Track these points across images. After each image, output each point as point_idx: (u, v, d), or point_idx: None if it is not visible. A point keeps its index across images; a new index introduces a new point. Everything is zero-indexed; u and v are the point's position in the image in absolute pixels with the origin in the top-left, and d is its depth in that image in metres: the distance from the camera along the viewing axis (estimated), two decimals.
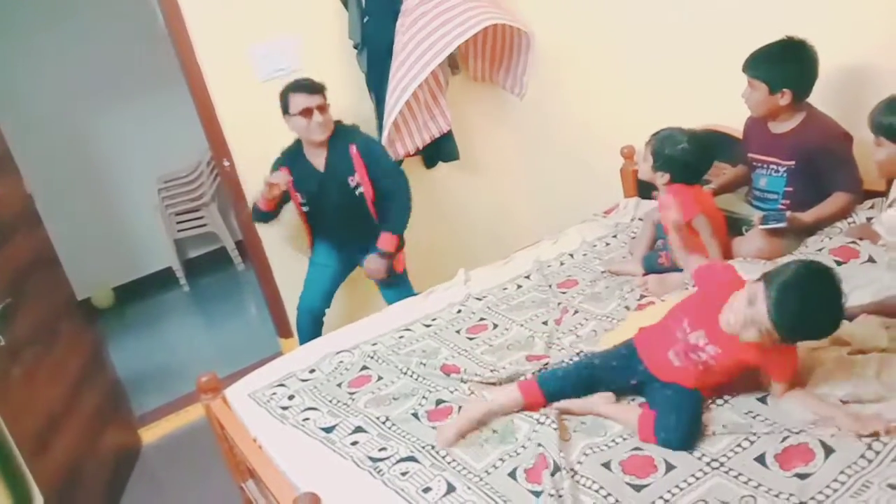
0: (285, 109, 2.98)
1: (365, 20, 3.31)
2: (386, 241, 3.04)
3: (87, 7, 4.62)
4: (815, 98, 2.33)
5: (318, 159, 3.04)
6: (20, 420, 2.44)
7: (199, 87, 3.24)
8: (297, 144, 3.09)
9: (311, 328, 3.28)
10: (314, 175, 3.04)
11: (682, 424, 1.62)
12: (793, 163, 2.31)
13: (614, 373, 1.82)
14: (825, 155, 2.24)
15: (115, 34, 4.71)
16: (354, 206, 3.05)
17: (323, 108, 2.96)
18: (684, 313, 1.77)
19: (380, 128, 3.49)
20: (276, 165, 3.08)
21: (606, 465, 1.60)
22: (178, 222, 5.15)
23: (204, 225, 5.16)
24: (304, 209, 3.14)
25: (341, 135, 3.04)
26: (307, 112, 2.92)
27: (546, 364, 2.02)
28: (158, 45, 3.57)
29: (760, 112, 2.35)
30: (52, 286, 2.94)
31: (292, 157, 3.08)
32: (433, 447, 1.79)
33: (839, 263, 2.11)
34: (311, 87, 2.95)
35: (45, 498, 2.50)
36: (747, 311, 1.56)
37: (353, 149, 3.00)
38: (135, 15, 4.41)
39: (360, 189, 3.02)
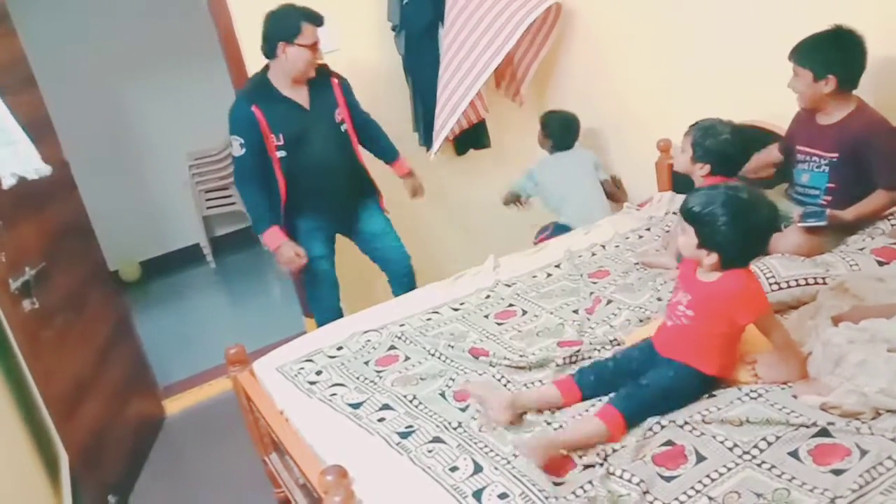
0: (289, 36, 2.62)
1: (404, 2, 3.31)
2: (401, 164, 3.13)
3: None
4: (866, 94, 2.28)
5: (299, 96, 2.76)
6: (50, 383, 2.49)
7: (237, 65, 3.25)
8: (264, 81, 2.74)
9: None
10: (298, 113, 2.75)
11: (637, 393, 1.70)
12: (836, 155, 2.26)
13: (635, 362, 1.83)
14: (869, 148, 2.19)
15: (156, 10, 4.75)
16: (342, 146, 2.87)
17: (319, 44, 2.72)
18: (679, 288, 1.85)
19: (415, 109, 3.50)
20: (247, 108, 2.68)
21: (638, 458, 1.59)
22: (207, 199, 5.19)
23: (232, 203, 5.19)
24: (281, 154, 2.75)
25: (317, 70, 2.79)
26: (315, 46, 2.67)
27: (578, 351, 2.00)
28: (198, 22, 3.58)
29: (805, 100, 2.31)
30: (84, 253, 2.98)
31: (263, 96, 2.71)
32: (460, 422, 1.79)
33: (881, 264, 2.07)
34: (322, 20, 2.68)
35: (71, 460, 2.54)
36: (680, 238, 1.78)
37: (335, 81, 2.85)
38: None
39: (345, 125, 2.87)
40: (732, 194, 1.69)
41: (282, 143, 2.73)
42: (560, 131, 3.33)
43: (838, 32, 2.18)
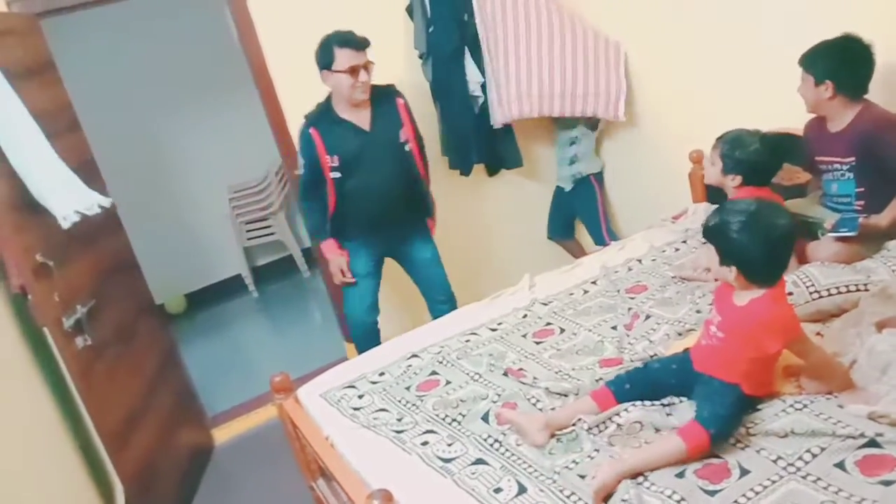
0: (326, 64, 2.73)
1: (430, 30, 3.37)
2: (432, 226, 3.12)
3: (164, 21, 4.82)
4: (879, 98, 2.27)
5: (360, 118, 2.82)
6: (103, 416, 2.56)
7: (270, 98, 3.34)
8: (326, 105, 2.84)
9: (368, 339, 3.06)
10: (356, 135, 2.79)
11: (719, 412, 1.63)
12: (853, 158, 2.26)
13: (673, 375, 1.82)
14: (883, 144, 2.18)
15: (192, 45, 4.89)
16: (403, 167, 2.89)
17: (369, 67, 2.74)
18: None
19: (443, 134, 3.54)
20: (306, 130, 2.82)
21: (680, 474, 1.58)
22: (248, 231, 5.30)
23: (272, 233, 5.30)
24: (335, 176, 2.82)
25: (381, 91, 2.86)
26: (354, 70, 2.70)
27: (620, 368, 2.00)
28: (234, 57, 3.68)
29: (808, 105, 2.34)
30: (132, 288, 3.07)
31: (322, 119, 2.82)
32: (500, 443, 1.81)
33: None
34: (361, 43, 2.73)
35: (125, 490, 2.60)
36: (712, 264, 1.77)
37: (401, 101, 2.90)
38: (209, 29, 4.56)
39: (409, 145, 2.90)
40: (744, 206, 1.68)
41: (336, 164, 2.81)
42: None
43: (844, 40, 2.21)
